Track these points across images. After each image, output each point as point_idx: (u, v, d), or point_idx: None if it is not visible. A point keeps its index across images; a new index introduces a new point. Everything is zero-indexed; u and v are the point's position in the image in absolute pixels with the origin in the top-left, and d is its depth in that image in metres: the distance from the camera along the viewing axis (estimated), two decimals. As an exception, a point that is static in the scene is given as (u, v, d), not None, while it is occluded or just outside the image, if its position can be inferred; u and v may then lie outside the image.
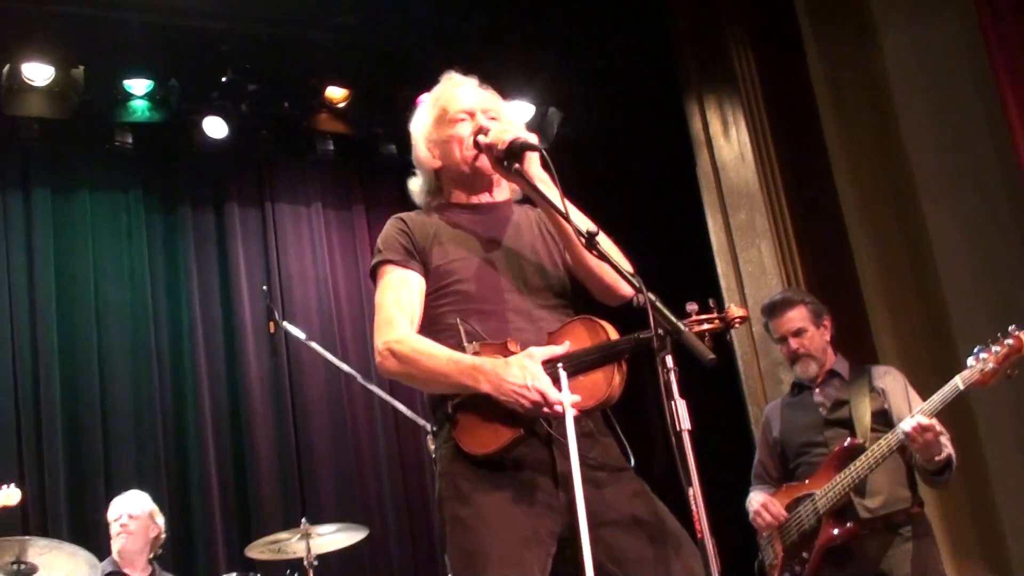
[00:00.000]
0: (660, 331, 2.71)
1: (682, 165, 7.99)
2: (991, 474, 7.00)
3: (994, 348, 4.37)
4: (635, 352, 2.93)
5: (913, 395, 4.70)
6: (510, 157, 3.15)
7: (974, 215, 7.02)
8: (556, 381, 2.93)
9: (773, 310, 4.96)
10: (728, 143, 7.67)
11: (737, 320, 3.18)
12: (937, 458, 4.41)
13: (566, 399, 2.91)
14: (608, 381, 2.98)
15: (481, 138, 3.23)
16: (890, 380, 4.79)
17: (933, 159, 7.28)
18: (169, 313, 7.82)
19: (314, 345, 5.50)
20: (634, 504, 3.07)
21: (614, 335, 3.00)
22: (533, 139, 3.17)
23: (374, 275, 3.30)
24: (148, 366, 7.59)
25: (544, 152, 3.14)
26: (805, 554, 4.61)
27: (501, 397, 2.95)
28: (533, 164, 3.15)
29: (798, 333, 4.85)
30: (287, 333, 5.65)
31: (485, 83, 3.45)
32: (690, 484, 2.62)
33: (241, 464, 7.69)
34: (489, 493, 3.01)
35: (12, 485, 5.23)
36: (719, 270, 7.62)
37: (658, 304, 2.74)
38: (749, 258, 7.45)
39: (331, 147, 8.01)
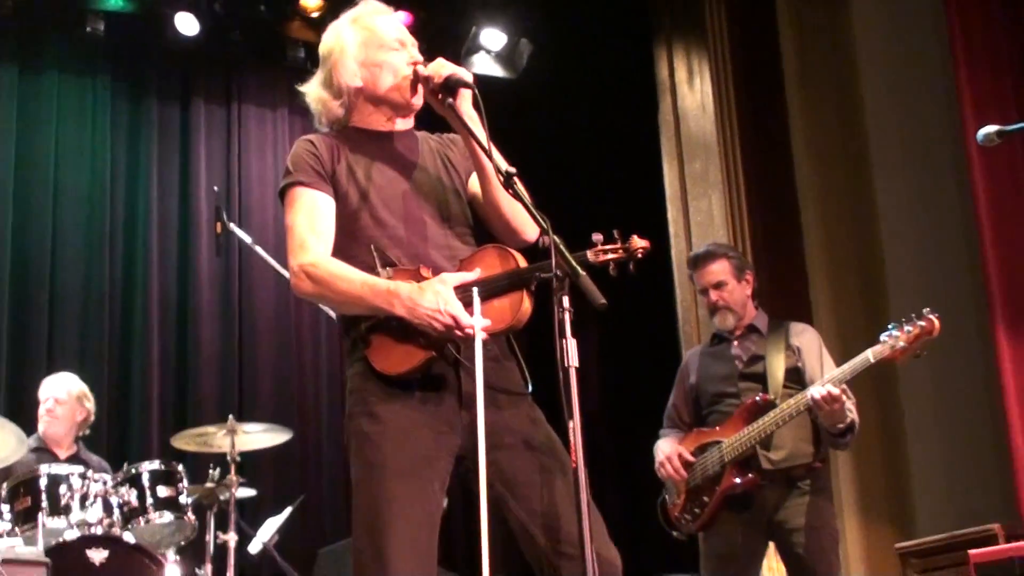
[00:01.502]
0: (559, 272, 2.85)
1: (644, 110, 8.12)
2: (907, 438, 7.23)
3: (907, 328, 4.48)
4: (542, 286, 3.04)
5: (826, 356, 4.85)
6: (445, 91, 3.24)
7: (922, 188, 7.19)
8: (467, 306, 3.06)
9: (697, 262, 5.07)
10: (691, 92, 7.80)
11: (640, 250, 3.20)
12: (840, 425, 4.57)
13: (477, 323, 3.04)
14: (517, 306, 3.11)
15: (421, 69, 3.30)
16: (806, 339, 4.91)
17: (889, 130, 7.44)
18: (126, 201, 7.92)
19: (258, 249, 5.57)
20: (530, 429, 3.22)
21: (523, 263, 3.12)
22: (468, 77, 3.26)
23: (283, 196, 3.33)
24: (100, 251, 7.72)
25: (476, 91, 3.23)
26: (706, 498, 4.75)
27: (414, 320, 3.07)
28: (465, 101, 3.23)
29: (719, 286, 4.94)
30: (234, 233, 5.71)
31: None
32: (571, 417, 2.78)
33: (183, 356, 7.85)
34: (396, 411, 3.13)
35: None
36: (669, 216, 7.80)
37: (561, 247, 2.87)
38: (699, 207, 7.62)
39: (302, 55, 8.09)
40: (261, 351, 8.03)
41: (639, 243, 3.22)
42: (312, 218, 3.27)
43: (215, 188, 7.03)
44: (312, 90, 3.49)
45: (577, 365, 2.83)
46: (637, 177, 8.24)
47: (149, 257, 7.85)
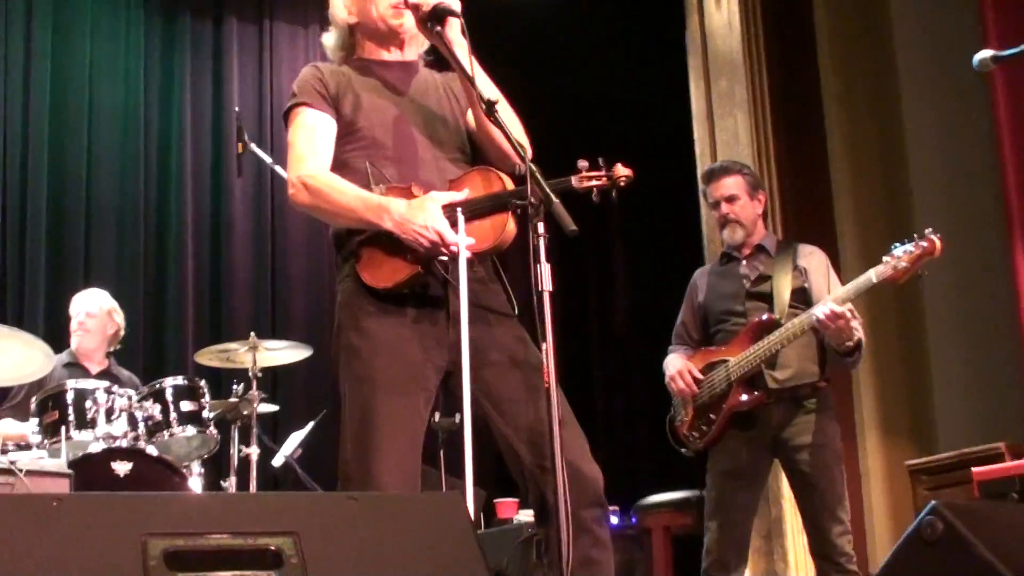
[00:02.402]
0: (534, 199, 2.96)
1: (672, 29, 8.13)
2: (929, 357, 7.30)
3: (909, 248, 4.51)
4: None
5: (833, 278, 4.90)
6: (433, 19, 3.35)
7: (947, 108, 7.18)
8: (454, 224, 3.20)
9: (712, 175, 5.13)
10: (719, 11, 7.79)
11: (623, 178, 3.31)
12: (848, 343, 4.64)
13: (461, 241, 3.18)
14: (500, 228, 3.25)
15: None
16: (813, 260, 4.95)
17: (918, 58, 7.42)
18: (160, 119, 8.02)
19: (278, 169, 5.64)
20: (516, 348, 3.36)
21: (511, 186, 3.25)
22: (455, 5, 3.36)
23: (287, 117, 3.51)
24: (135, 169, 7.84)
25: (463, 20, 3.33)
26: (713, 415, 4.84)
27: (403, 236, 3.22)
28: (453, 29, 3.35)
29: (731, 199, 4.99)
30: (254, 153, 5.79)
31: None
32: (544, 339, 2.91)
33: (216, 274, 7.99)
34: (385, 326, 3.29)
35: None
36: (695, 135, 7.83)
37: (536, 174, 2.99)
38: (725, 126, 7.64)
39: (334, -27, 8.10)
40: (293, 270, 8.16)
41: (622, 171, 3.32)
42: (312, 136, 3.45)
43: (236, 109, 7.11)
44: (327, 37, 3.71)
45: (551, 289, 2.94)
46: (665, 96, 8.27)
47: (183, 175, 7.96)
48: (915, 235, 4.57)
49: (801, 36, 7.70)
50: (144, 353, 7.37)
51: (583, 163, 3.31)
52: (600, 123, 8.60)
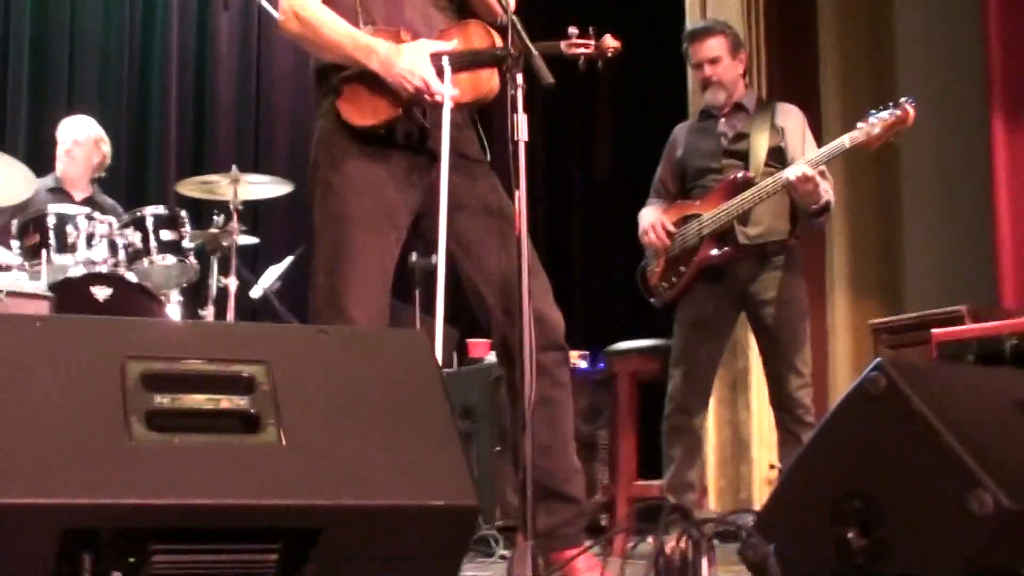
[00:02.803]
0: (513, 51, 3.03)
1: None
2: (903, 219, 7.39)
3: (883, 115, 4.60)
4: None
5: (809, 139, 4.98)
6: None
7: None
8: (440, 74, 3.26)
9: (694, 36, 5.17)
10: None
11: (611, 50, 3.41)
12: (814, 205, 4.74)
13: (446, 91, 3.25)
14: (485, 83, 3.33)
15: None
16: (791, 120, 5.02)
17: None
18: None
19: (263, 3, 5.67)
20: (489, 195, 3.46)
21: (500, 43, 3.26)
22: None
23: None
24: None
25: None
26: (683, 267, 4.95)
27: (388, 78, 3.28)
28: None
29: (713, 61, 5.03)
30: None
31: None
32: (518, 187, 3.00)
33: (200, 104, 7.94)
34: (362, 164, 3.38)
35: None
36: (685, -10, 7.79)
37: (517, 26, 3.04)
38: (716, -20, 7.60)
39: None
40: (277, 104, 8.13)
41: (611, 43, 3.43)
42: None
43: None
44: None
45: (527, 139, 3.02)
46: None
47: (169, 4, 7.87)
48: (891, 103, 4.65)
49: None
50: (126, 181, 7.35)
51: (573, 30, 3.39)
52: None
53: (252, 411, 2.11)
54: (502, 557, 4.88)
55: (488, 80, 3.32)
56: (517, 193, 3.01)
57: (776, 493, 2.84)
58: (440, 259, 3.23)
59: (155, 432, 2.02)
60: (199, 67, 7.99)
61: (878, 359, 2.60)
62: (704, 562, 2.19)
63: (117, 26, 7.73)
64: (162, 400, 2.07)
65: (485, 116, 3.58)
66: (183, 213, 5.67)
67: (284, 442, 2.08)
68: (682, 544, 2.24)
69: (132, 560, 1.99)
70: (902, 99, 4.64)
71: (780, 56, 7.36)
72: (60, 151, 6.22)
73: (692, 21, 7.59)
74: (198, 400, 2.10)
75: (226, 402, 2.11)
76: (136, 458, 1.98)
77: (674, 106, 7.61)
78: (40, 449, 1.94)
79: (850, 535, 2.50)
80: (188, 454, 2.01)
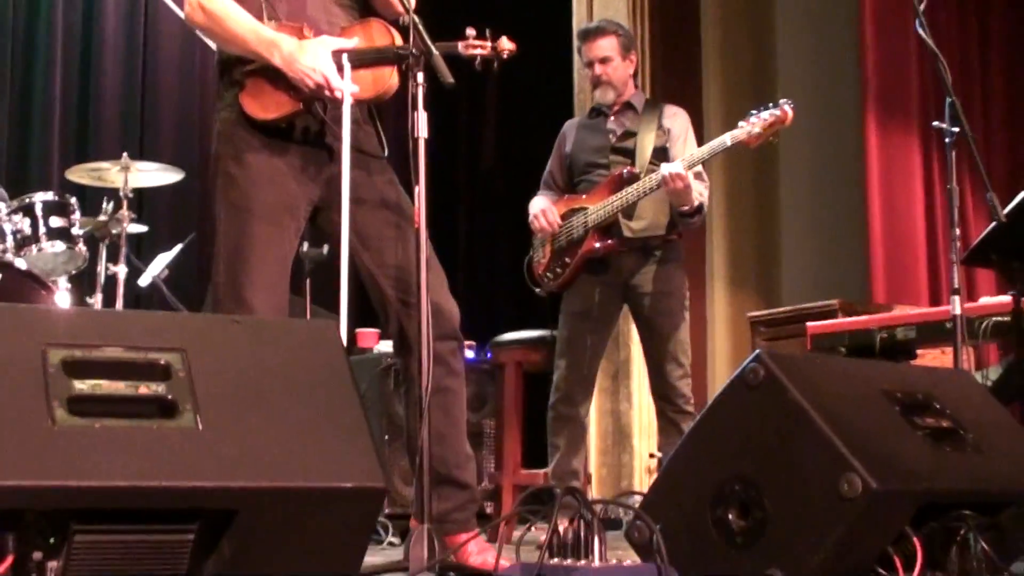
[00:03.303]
0: (415, 51, 3.14)
1: None
2: (781, 216, 7.64)
3: (763, 115, 4.73)
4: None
5: (691, 140, 5.11)
6: None
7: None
8: (340, 70, 3.35)
9: (587, 35, 5.27)
10: None
11: (506, 51, 3.51)
12: (684, 207, 4.86)
13: (346, 87, 3.34)
14: (384, 80, 3.42)
15: None
16: (677, 122, 5.15)
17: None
18: None
19: None
20: (386, 190, 3.55)
21: (400, 41, 3.37)
22: None
23: None
24: None
25: None
26: (568, 259, 5.06)
27: (290, 73, 3.36)
28: None
29: (604, 60, 5.14)
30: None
31: None
32: (417, 183, 3.12)
33: (85, 90, 7.82)
34: (263, 158, 3.45)
35: None
36: (573, -16, 7.93)
37: (419, 27, 3.16)
38: (604, -23, 7.75)
39: None
40: (163, 91, 8.05)
41: (506, 45, 3.52)
42: None
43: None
44: None
45: (426, 136, 3.13)
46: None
47: (54, -12, 7.76)
48: (770, 104, 4.81)
49: None
50: (8, 168, 7.26)
51: (471, 31, 3.48)
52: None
53: (169, 397, 2.17)
54: (391, 544, 4.97)
55: (388, 78, 3.41)
56: (417, 188, 3.12)
57: (661, 477, 2.97)
58: (343, 252, 3.31)
59: (76, 417, 2.07)
60: (84, 50, 7.87)
61: (757, 351, 2.75)
62: (596, 541, 2.32)
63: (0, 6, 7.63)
64: (82, 386, 2.12)
65: (382, 111, 3.68)
66: (73, 200, 5.61)
67: (200, 427, 2.14)
68: (574, 525, 2.36)
69: (53, 540, 2.04)
70: (781, 100, 4.78)
71: (664, 56, 7.56)
72: (-57, 135, 6.13)
73: (579, 20, 7.76)
74: (117, 386, 2.15)
75: (144, 388, 2.16)
76: (58, 442, 2.03)
77: (558, 102, 7.77)
78: (-36, 433, 1.99)
79: (730, 516, 2.64)
80: (108, 438, 2.07)
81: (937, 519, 2.65)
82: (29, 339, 2.15)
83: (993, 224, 3.96)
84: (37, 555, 2.05)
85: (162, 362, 2.22)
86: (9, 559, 2.02)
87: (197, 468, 2.10)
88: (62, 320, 2.25)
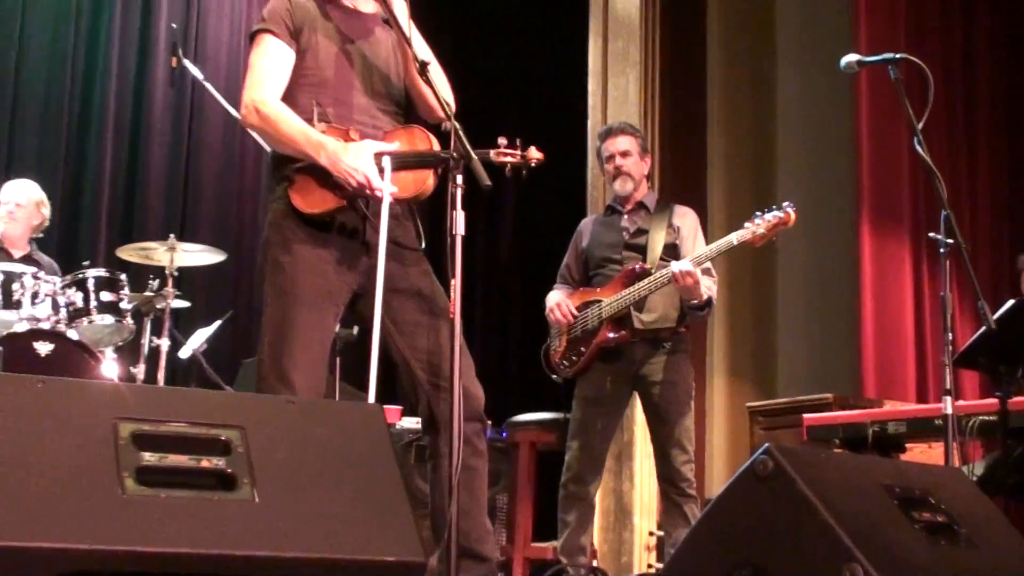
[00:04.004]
0: (455, 154, 3.20)
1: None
2: (777, 313, 7.67)
3: (767, 216, 4.80)
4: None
5: (700, 239, 5.17)
6: None
7: (818, 103, 7.49)
8: (382, 172, 3.42)
9: (609, 133, 5.35)
10: (620, -26, 7.98)
11: (534, 160, 3.60)
12: (693, 301, 4.91)
13: (386, 188, 3.41)
14: (422, 182, 3.49)
15: None
16: (687, 221, 5.21)
17: (795, 48, 7.74)
18: (90, 24, 7.90)
19: (208, 85, 5.70)
20: (421, 280, 3.60)
21: (437, 147, 3.47)
22: None
23: (253, 39, 3.62)
24: (62, 68, 7.74)
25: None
26: (583, 348, 5.09)
27: (334, 172, 3.43)
28: None
29: (625, 154, 5.21)
30: (187, 68, 5.86)
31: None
32: (454, 276, 3.16)
33: (133, 174, 7.95)
34: (308, 247, 3.50)
35: None
36: (590, 89, 7.95)
37: (460, 132, 3.22)
38: (618, 84, 7.79)
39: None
40: (205, 177, 8.15)
41: (535, 155, 3.61)
42: (272, 63, 3.58)
43: (173, 25, 7.13)
44: None
45: (463, 233, 3.18)
46: (562, 53, 8.39)
47: (108, 79, 7.88)
48: (774, 206, 4.87)
49: (693, 10, 7.94)
50: (59, 242, 7.30)
51: (503, 140, 3.56)
52: (504, 75, 8.75)
53: (229, 471, 2.19)
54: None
55: (426, 179, 3.49)
56: (453, 282, 3.16)
57: (674, 559, 2.97)
58: (375, 336, 3.36)
59: (144, 487, 2.10)
60: (133, 138, 8.00)
61: (766, 444, 2.76)
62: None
63: (57, 94, 7.74)
64: (150, 458, 2.15)
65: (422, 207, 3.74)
66: (123, 276, 5.68)
67: (257, 499, 2.17)
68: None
69: (119, 601, 2.07)
70: (784, 203, 4.84)
71: (672, 157, 7.62)
72: (2, 211, 6.19)
73: (593, 124, 7.84)
74: (182, 459, 2.18)
75: (206, 462, 2.19)
76: (127, 510, 2.05)
77: (572, 201, 7.84)
78: (41, 498, 2.01)
79: (740, 599, 2.66)
80: (173, 507, 2.09)
81: (932, 608, 2.66)
82: (102, 413, 2.19)
83: (983, 330, 3.99)
84: (103, 616, 2.07)
85: (223, 438, 2.25)
86: (79, 618, 2.03)
87: (253, 538, 2.12)
88: (132, 396, 2.28)
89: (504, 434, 5.92)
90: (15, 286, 5.34)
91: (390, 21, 3.61)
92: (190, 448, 2.21)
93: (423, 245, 3.67)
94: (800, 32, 7.65)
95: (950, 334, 3.87)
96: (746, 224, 4.87)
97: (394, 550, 2.22)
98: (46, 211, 6.35)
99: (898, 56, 4.12)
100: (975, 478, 4.43)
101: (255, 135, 3.73)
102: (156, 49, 8.06)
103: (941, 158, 6.43)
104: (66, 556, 1.98)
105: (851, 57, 4.24)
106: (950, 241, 3.95)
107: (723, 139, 7.83)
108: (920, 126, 3.99)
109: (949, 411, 3.83)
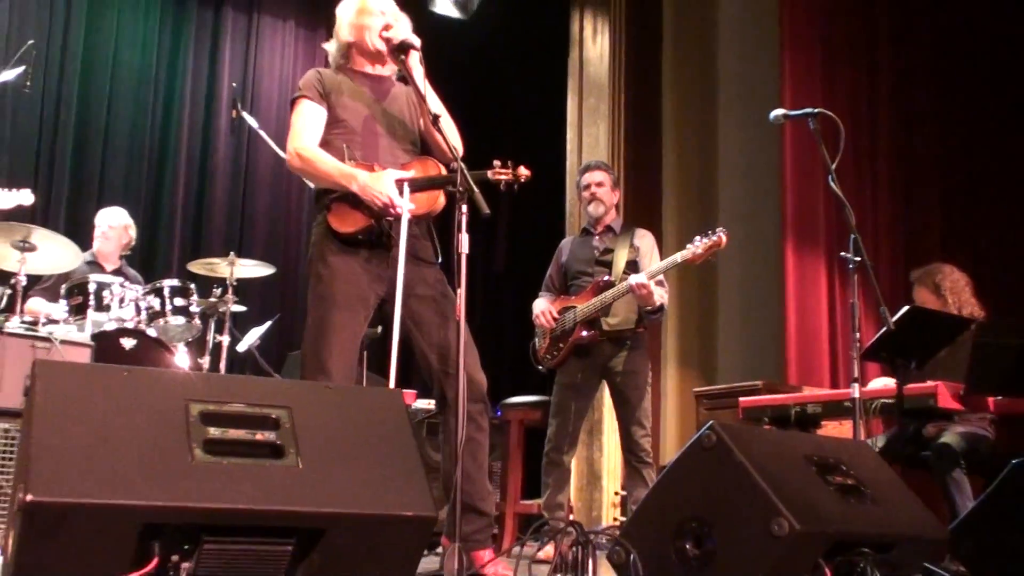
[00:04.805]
0: (461, 188, 3.20)
1: (558, 56, 8.30)
2: (718, 316, 7.66)
3: (704, 240, 4.77)
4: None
5: (655, 256, 5.13)
6: (399, 50, 3.57)
7: (752, 151, 7.49)
8: (401, 193, 3.42)
9: (588, 168, 5.33)
10: (594, 45, 7.98)
11: (523, 177, 3.57)
12: (648, 307, 4.90)
13: (405, 205, 3.41)
14: (434, 200, 3.51)
15: (385, 32, 3.63)
16: (646, 242, 5.19)
17: (734, 103, 7.73)
18: (167, 81, 7.92)
19: (262, 133, 5.72)
20: (436, 287, 3.60)
21: (444, 172, 3.49)
22: (416, 41, 3.56)
23: (293, 103, 3.66)
24: (144, 118, 7.74)
25: (420, 52, 3.54)
26: (562, 345, 5.07)
27: (364, 196, 3.44)
28: (413, 57, 3.55)
29: (600, 184, 5.20)
30: (244, 119, 5.88)
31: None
32: (459, 287, 3.15)
33: (200, 203, 7.95)
34: (343, 261, 3.50)
35: (28, 189, 5.26)
36: (568, 137, 8.02)
37: (464, 171, 3.21)
38: (590, 133, 7.85)
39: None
40: (258, 206, 8.14)
41: (523, 172, 3.58)
42: (309, 120, 3.60)
43: (233, 84, 7.14)
44: (329, 45, 3.83)
45: (467, 252, 3.16)
46: (550, 107, 8.42)
47: (181, 127, 7.89)
48: (710, 231, 4.84)
49: (651, 73, 7.94)
50: (141, 257, 7.28)
51: (497, 162, 3.55)
52: (498, 121, 8.74)
53: (278, 442, 2.19)
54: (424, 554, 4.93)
55: (437, 198, 3.51)
56: (459, 290, 3.15)
57: (635, 514, 2.95)
58: (395, 333, 3.35)
59: (210, 455, 2.10)
60: (200, 171, 7.99)
61: (711, 422, 2.75)
62: (590, 562, 2.33)
63: (140, 139, 7.74)
64: (215, 432, 2.15)
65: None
66: (192, 285, 5.66)
67: (301, 466, 2.17)
68: (572, 550, 2.37)
69: (187, 547, 2.06)
70: (718, 229, 4.81)
71: (634, 190, 7.62)
72: (98, 233, 6.18)
73: (571, 162, 7.87)
74: (240, 433, 2.17)
75: (260, 435, 2.19)
76: (195, 473, 2.06)
77: (553, 224, 7.84)
78: (128, 465, 2.01)
79: (688, 546, 2.63)
80: (232, 472, 2.09)
81: (844, 554, 2.65)
82: (175, 395, 2.19)
83: (884, 330, 3.99)
84: (175, 558, 2.06)
85: (273, 416, 2.24)
86: (155, 561, 2.03)
87: (297, 496, 2.11)
88: (199, 381, 2.27)
89: (499, 413, 5.90)
90: (105, 293, 5.32)
91: (407, 79, 3.61)
92: (247, 424, 2.21)
93: (439, 259, 3.66)
94: (738, 90, 7.66)
95: (857, 333, 3.87)
96: (688, 245, 4.84)
97: (410, 507, 2.21)
98: (132, 232, 6.33)
99: (815, 111, 4.12)
100: (877, 449, 4.43)
101: (298, 175, 3.71)
102: (219, 104, 8.05)
103: (850, 192, 6.39)
104: (147, 512, 1.99)
105: (778, 111, 4.24)
106: (857, 259, 3.96)
107: (675, 175, 7.85)
108: (834, 166, 3.99)
109: (856, 395, 3.83)
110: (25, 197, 4.92)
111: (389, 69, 3.78)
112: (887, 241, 6.70)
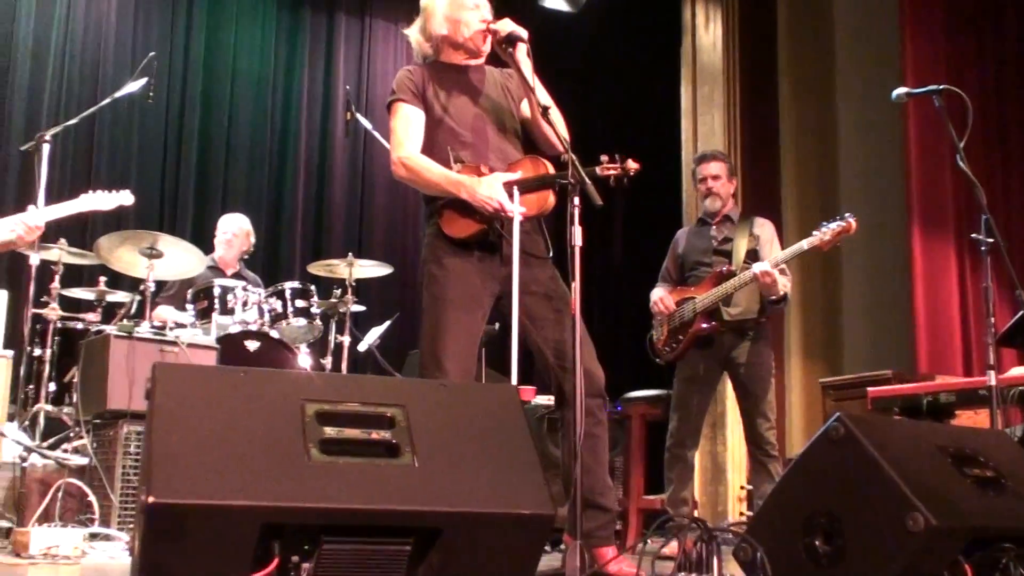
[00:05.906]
0: (572, 180, 3.15)
1: (670, 45, 8.19)
2: (843, 304, 7.47)
3: (832, 225, 4.65)
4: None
5: (776, 245, 5.01)
6: (507, 43, 3.50)
7: (873, 131, 7.29)
8: (511, 196, 3.39)
9: (703, 159, 5.23)
10: (707, 33, 7.86)
11: (632, 170, 3.49)
12: (772, 296, 4.79)
13: (516, 209, 3.36)
14: (544, 200, 3.45)
15: (492, 25, 3.55)
16: (765, 230, 5.07)
17: (853, 85, 7.56)
18: (284, 88, 8.02)
19: (376, 134, 5.78)
20: (549, 283, 3.54)
21: (552, 170, 3.43)
22: (523, 34, 3.49)
23: (389, 108, 3.62)
24: (264, 124, 7.86)
25: (528, 44, 3.47)
26: (681, 336, 4.98)
27: (473, 203, 3.40)
28: (520, 50, 3.48)
29: (716, 177, 5.09)
30: (359, 121, 5.94)
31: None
32: (574, 279, 3.09)
33: (320, 206, 8.04)
34: (457, 262, 3.47)
35: (127, 191, 5.07)
36: (683, 127, 7.91)
37: (575, 162, 3.15)
38: (705, 121, 7.73)
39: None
40: (376, 208, 8.21)
41: (632, 165, 3.50)
42: (408, 125, 3.55)
43: (347, 87, 7.22)
44: (412, 33, 3.77)
45: (581, 244, 3.10)
46: (662, 97, 8.31)
47: (299, 131, 7.99)
48: (838, 216, 4.72)
49: (767, 57, 7.78)
50: (264, 261, 7.38)
51: (605, 157, 3.48)
52: (610, 115, 8.66)
53: (394, 441, 2.18)
54: (544, 551, 4.90)
55: (547, 198, 3.45)
56: (574, 284, 3.09)
57: (761, 509, 2.88)
58: (514, 330, 3.31)
59: (326, 455, 2.10)
60: (320, 177, 8.09)
61: (838, 413, 2.66)
62: (715, 559, 2.26)
63: (260, 144, 7.86)
64: (331, 431, 2.15)
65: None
66: (312, 287, 5.72)
67: (416, 464, 2.15)
68: (697, 546, 2.31)
69: (307, 548, 2.06)
70: (847, 214, 4.68)
71: (751, 178, 7.48)
72: (220, 238, 6.30)
73: (686, 152, 7.75)
74: (356, 432, 2.17)
75: (375, 434, 2.18)
76: (312, 473, 2.06)
77: (669, 214, 7.73)
78: (246, 465, 2.02)
79: (817, 543, 2.55)
80: (349, 471, 2.09)
81: (984, 550, 2.54)
82: (291, 396, 2.19)
83: (1020, 314, 3.81)
84: (295, 559, 2.07)
85: (388, 414, 2.23)
86: (275, 561, 2.03)
87: (414, 496, 2.10)
88: (315, 382, 2.28)
89: (619, 408, 5.83)
90: (229, 297, 5.42)
91: (517, 76, 3.54)
92: (362, 423, 2.21)
93: (551, 254, 3.61)
94: (857, 69, 7.43)
95: (992, 318, 3.71)
96: (814, 232, 4.73)
97: (528, 504, 2.18)
98: (253, 238, 6.44)
99: (940, 87, 3.95)
100: (1016, 439, 4.22)
101: (408, 184, 3.69)
102: (335, 107, 8.14)
103: (979, 171, 6.18)
104: (266, 512, 1.99)
105: (901, 90, 4.09)
106: (990, 240, 3.79)
107: (793, 162, 7.67)
108: (962, 144, 3.82)
109: (993, 383, 3.67)
110: (125, 198, 4.96)
111: (479, 59, 3.70)
112: (1020, 221, 6.41)
